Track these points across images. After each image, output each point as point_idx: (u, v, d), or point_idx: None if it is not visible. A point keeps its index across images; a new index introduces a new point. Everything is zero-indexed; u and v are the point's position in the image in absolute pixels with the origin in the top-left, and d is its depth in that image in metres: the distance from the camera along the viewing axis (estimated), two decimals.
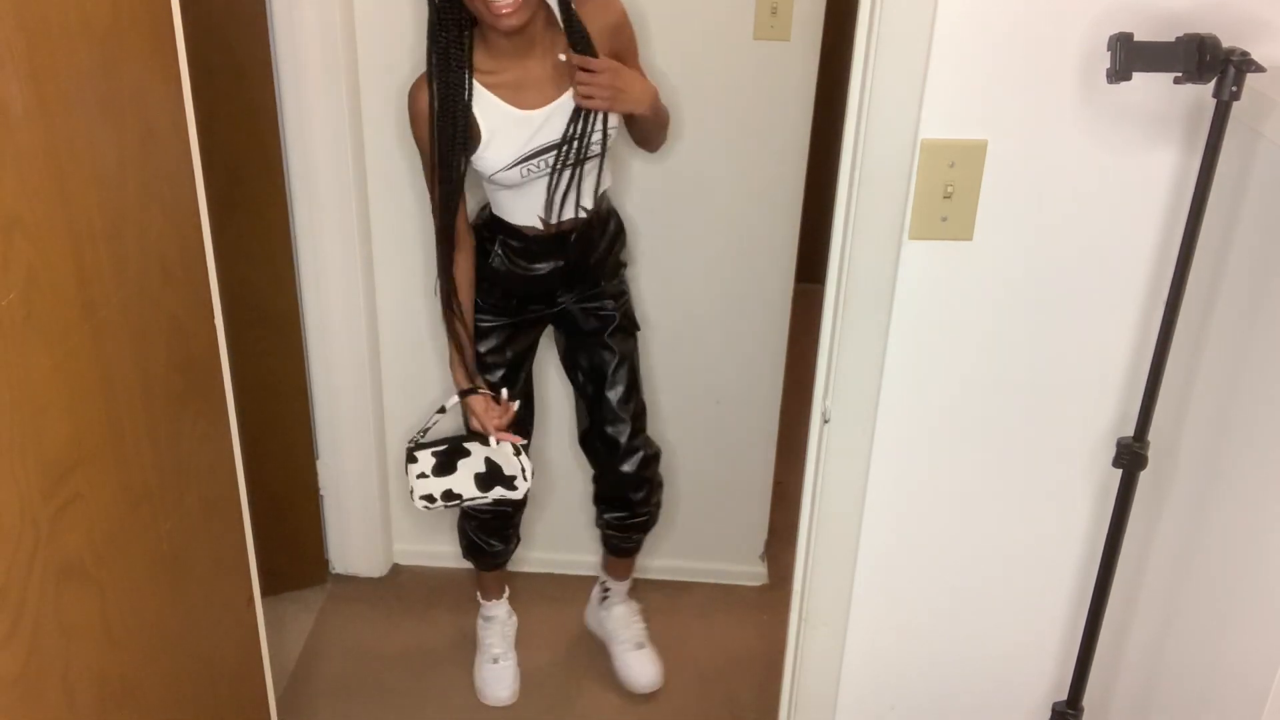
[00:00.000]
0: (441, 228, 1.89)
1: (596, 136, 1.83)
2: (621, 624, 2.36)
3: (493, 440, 1.98)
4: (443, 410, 2.05)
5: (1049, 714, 1.60)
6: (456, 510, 2.25)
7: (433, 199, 1.89)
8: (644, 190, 2.28)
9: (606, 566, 2.40)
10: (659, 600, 2.60)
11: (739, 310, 2.39)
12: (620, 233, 2.10)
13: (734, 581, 2.66)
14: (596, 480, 2.24)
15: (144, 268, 1.36)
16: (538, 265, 1.98)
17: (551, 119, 1.82)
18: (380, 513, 2.61)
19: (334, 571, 2.66)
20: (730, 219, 2.30)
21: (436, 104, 1.79)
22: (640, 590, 2.62)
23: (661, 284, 2.36)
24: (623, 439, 2.13)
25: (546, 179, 1.86)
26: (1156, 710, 1.53)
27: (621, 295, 2.12)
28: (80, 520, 1.23)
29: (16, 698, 1.13)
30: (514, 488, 2.01)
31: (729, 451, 2.53)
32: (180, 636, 1.51)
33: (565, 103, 1.82)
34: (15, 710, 1.13)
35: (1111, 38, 1.23)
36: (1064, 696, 1.57)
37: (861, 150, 1.38)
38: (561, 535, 2.64)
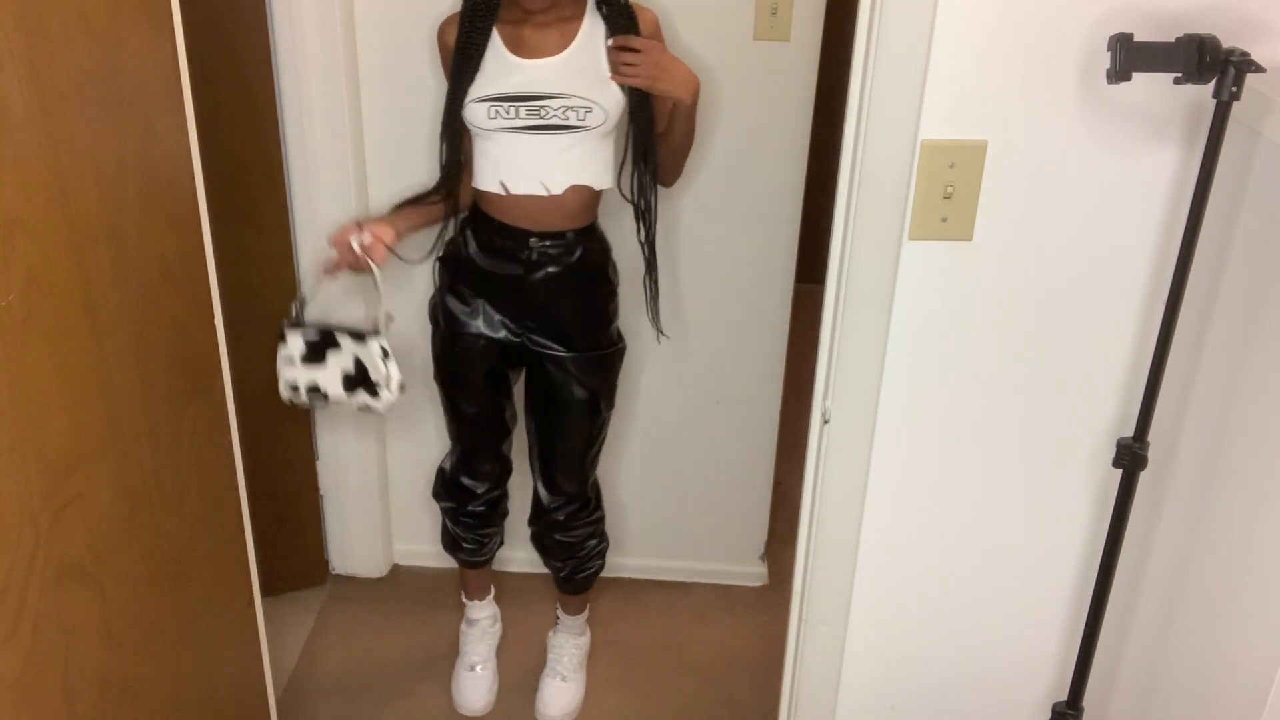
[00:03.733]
0: (446, 166, 1.91)
1: (573, 102, 1.80)
2: (556, 652, 2.34)
3: (354, 243, 1.81)
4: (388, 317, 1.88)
5: (1049, 714, 1.60)
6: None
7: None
8: None
9: (558, 597, 2.37)
10: (659, 600, 2.60)
11: (739, 310, 2.39)
12: (604, 286, 2.00)
13: (734, 582, 2.66)
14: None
15: (144, 268, 1.36)
16: (501, 266, 1.93)
17: (535, 73, 1.81)
18: (380, 513, 2.61)
19: (334, 572, 2.66)
20: (730, 219, 2.30)
21: (459, 46, 1.82)
22: (640, 590, 2.62)
23: (662, 284, 2.36)
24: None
25: (514, 136, 1.83)
26: (1156, 710, 1.53)
27: (600, 371, 2.02)
28: (80, 520, 1.23)
29: (16, 698, 1.13)
30: (377, 395, 1.83)
31: (729, 451, 2.53)
32: (180, 636, 1.51)
33: (554, 64, 1.82)
34: (15, 711, 1.13)
35: (1111, 38, 1.23)
36: (1064, 696, 1.57)
37: (861, 150, 1.38)
38: None
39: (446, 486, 2.20)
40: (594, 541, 2.22)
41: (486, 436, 2.11)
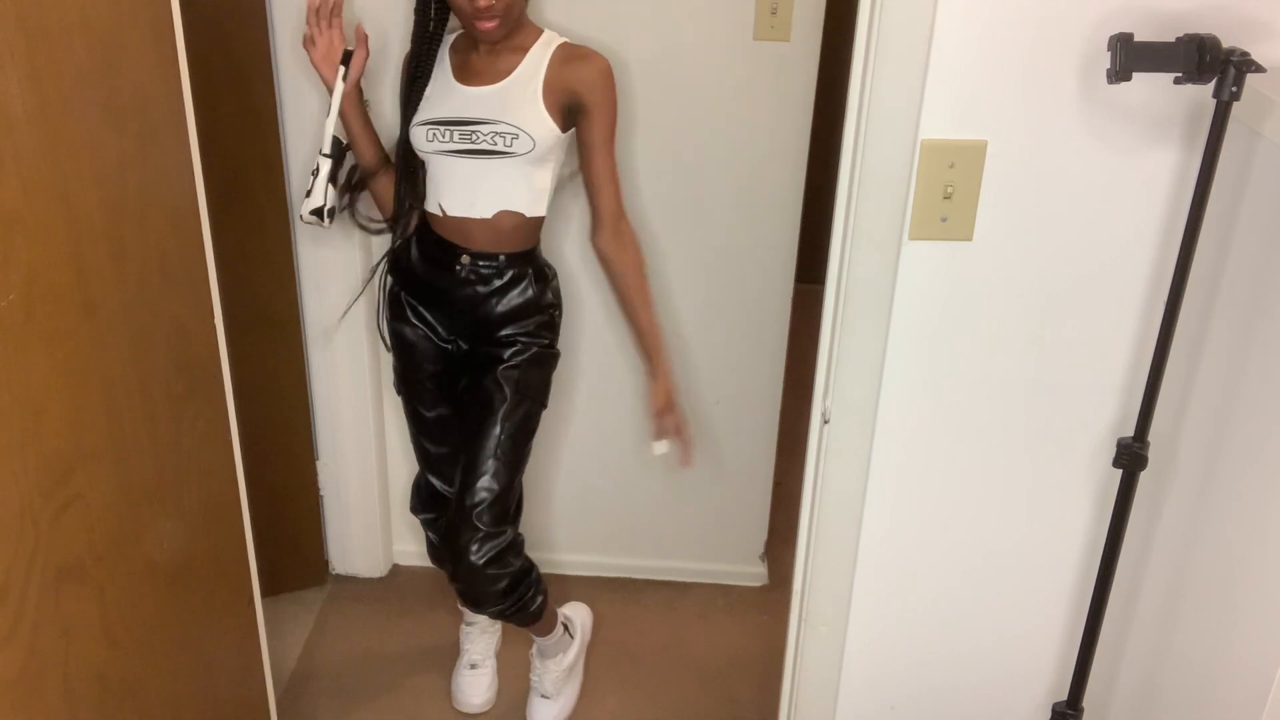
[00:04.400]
0: (400, 175, 1.96)
1: (501, 128, 1.83)
2: (536, 672, 2.30)
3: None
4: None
5: (1049, 714, 1.60)
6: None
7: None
8: (645, 190, 2.28)
9: None
10: (659, 600, 2.60)
11: (739, 310, 2.39)
12: (536, 313, 1.97)
13: (734, 581, 2.66)
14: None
15: (144, 268, 1.36)
16: (437, 276, 1.96)
17: (471, 99, 1.86)
18: (380, 513, 2.61)
19: (334, 572, 2.66)
20: (730, 219, 2.30)
21: (407, 77, 1.90)
22: (640, 590, 2.62)
23: (661, 284, 2.36)
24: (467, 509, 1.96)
25: (449, 159, 1.88)
26: (1156, 710, 1.53)
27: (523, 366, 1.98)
28: (80, 520, 1.23)
29: (16, 698, 1.13)
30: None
31: (729, 451, 2.53)
32: (180, 636, 1.51)
33: (490, 91, 1.85)
34: (15, 710, 1.13)
35: (1112, 38, 1.23)
36: (1064, 696, 1.57)
37: (861, 150, 1.38)
38: (558, 533, 2.64)
39: (422, 498, 2.19)
40: (517, 563, 2.01)
41: (448, 438, 2.10)
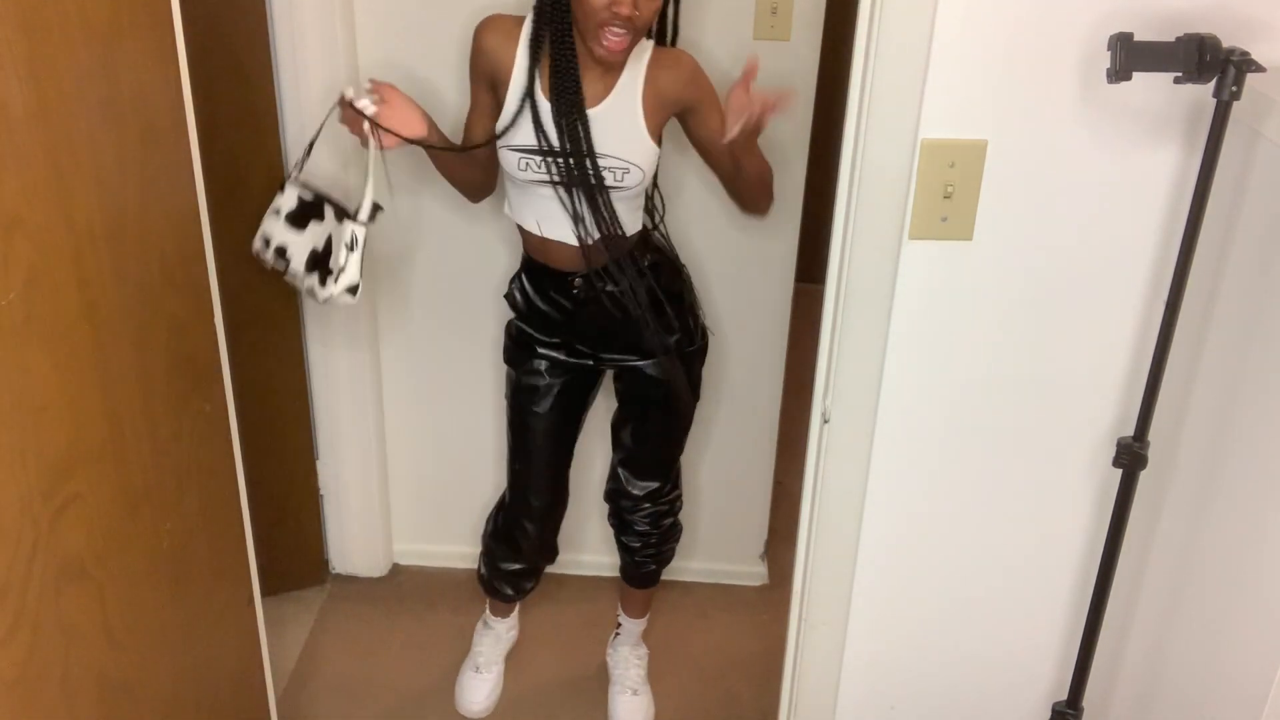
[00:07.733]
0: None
1: (609, 162, 1.73)
2: (621, 665, 2.33)
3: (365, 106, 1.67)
4: (339, 103, 1.69)
5: (1049, 714, 1.60)
6: (487, 525, 2.24)
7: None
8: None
9: (621, 599, 2.39)
10: (659, 600, 2.59)
11: (739, 310, 2.39)
12: (666, 291, 1.92)
13: (734, 581, 2.66)
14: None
15: (144, 268, 1.36)
16: (556, 304, 1.92)
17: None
18: (380, 513, 2.61)
19: (334, 571, 2.66)
20: (730, 219, 2.30)
21: (551, 70, 1.70)
22: None
23: None
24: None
25: (548, 189, 1.78)
26: (1156, 710, 1.53)
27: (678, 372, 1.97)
28: (80, 520, 1.23)
29: (16, 698, 1.13)
30: (323, 284, 1.68)
31: (729, 451, 2.53)
32: (180, 637, 1.52)
33: (591, 117, 1.73)
34: (15, 710, 1.13)
35: (1112, 38, 1.23)
36: (1064, 697, 1.57)
37: (861, 150, 1.38)
38: (566, 534, 2.63)
39: (498, 532, 2.17)
40: (670, 521, 2.19)
41: (549, 451, 2.06)
